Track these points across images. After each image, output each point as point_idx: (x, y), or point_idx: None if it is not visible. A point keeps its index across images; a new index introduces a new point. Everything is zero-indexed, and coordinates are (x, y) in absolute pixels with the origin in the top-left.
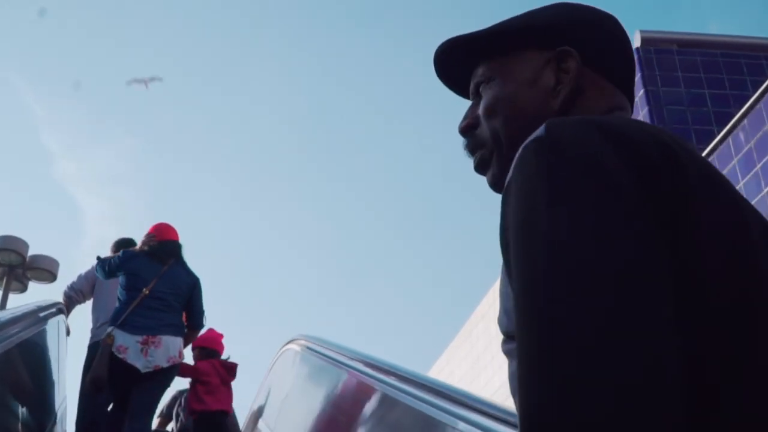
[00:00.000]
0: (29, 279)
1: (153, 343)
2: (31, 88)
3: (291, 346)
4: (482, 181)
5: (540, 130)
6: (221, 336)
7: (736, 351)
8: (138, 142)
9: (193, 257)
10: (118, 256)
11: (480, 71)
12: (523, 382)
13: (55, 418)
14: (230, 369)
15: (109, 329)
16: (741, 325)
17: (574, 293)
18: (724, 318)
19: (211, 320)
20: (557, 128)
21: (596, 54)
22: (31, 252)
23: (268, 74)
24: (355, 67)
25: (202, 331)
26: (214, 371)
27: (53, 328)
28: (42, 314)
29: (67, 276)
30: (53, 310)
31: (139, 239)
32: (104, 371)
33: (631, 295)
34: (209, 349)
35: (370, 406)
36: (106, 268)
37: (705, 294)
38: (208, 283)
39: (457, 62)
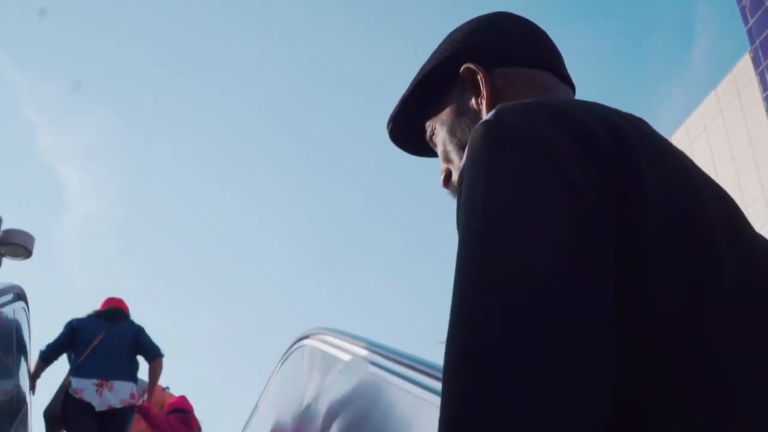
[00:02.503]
0: (2, 255)
1: (106, 386)
2: (12, 60)
3: (307, 342)
4: None
5: (489, 114)
6: (190, 406)
7: (681, 334)
8: (119, 115)
9: (170, 232)
10: (64, 327)
11: (426, 128)
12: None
13: (25, 410)
14: (186, 422)
15: (66, 375)
16: (687, 305)
17: (504, 259)
18: (669, 300)
19: (185, 299)
20: (503, 111)
21: (496, 52)
22: (4, 226)
23: (253, 54)
24: (335, 49)
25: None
26: (169, 427)
27: (8, 315)
28: None
29: (44, 252)
30: (10, 296)
31: (119, 214)
32: (57, 410)
33: (561, 262)
34: (181, 409)
35: (406, 412)
36: (49, 353)
37: (651, 275)
38: (184, 258)
39: (410, 132)
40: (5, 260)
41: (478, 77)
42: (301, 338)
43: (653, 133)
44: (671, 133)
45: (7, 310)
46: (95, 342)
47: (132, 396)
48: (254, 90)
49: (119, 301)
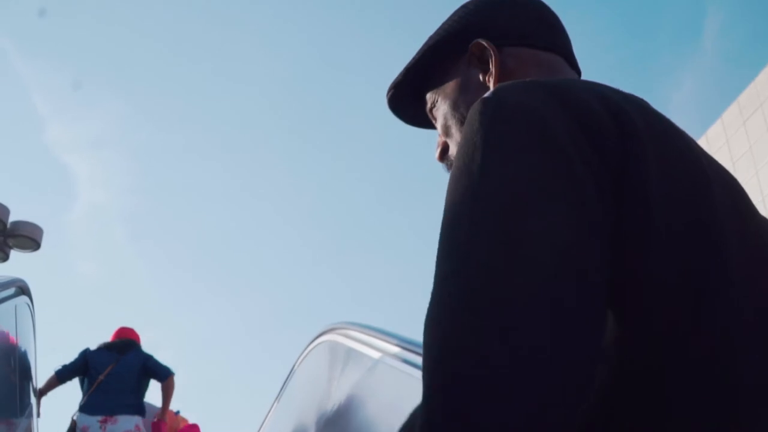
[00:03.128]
0: (11, 247)
1: (110, 421)
2: (19, 50)
3: (330, 337)
4: None
5: (488, 93)
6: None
7: (682, 323)
8: (127, 104)
9: (179, 220)
10: (79, 354)
11: (426, 99)
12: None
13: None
14: None
15: (74, 414)
16: (690, 280)
17: (491, 233)
18: (669, 288)
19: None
20: (503, 89)
21: (511, 31)
22: (13, 218)
23: (262, 40)
24: (345, 37)
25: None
26: None
27: (9, 311)
28: None
29: (53, 243)
30: (11, 290)
31: (128, 203)
32: None
33: (553, 247)
34: None
35: None
36: (65, 373)
37: (649, 258)
38: (193, 246)
39: (409, 101)
40: (14, 252)
41: (488, 54)
42: (324, 332)
43: (654, 113)
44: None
45: (8, 306)
46: (101, 377)
47: (137, 428)
48: (264, 77)
49: (130, 332)
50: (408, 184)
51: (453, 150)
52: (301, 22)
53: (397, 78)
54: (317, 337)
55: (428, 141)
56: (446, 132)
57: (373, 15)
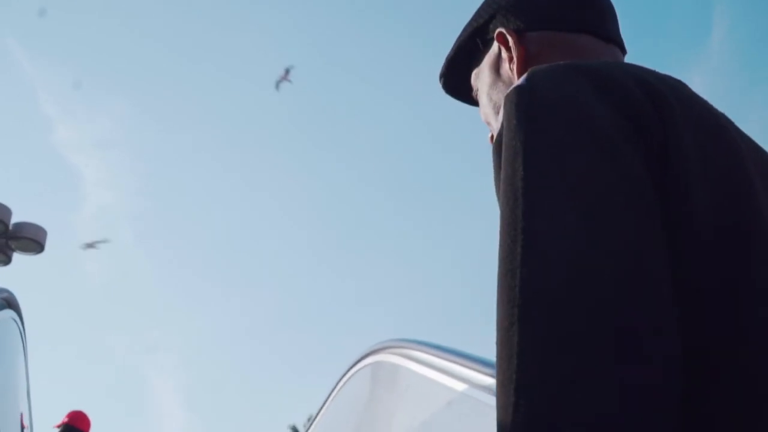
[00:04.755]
0: (13, 249)
1: None
2: (27, 52)
3: (380, 357)
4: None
5: (521, 79)
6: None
7: (731, 277)
8: (133, 105)
9: (187, 221)
10: None
11: (471, 85)
12: (504, 332)
13: None
14: None
15: None
16: (735, 255)
17: (553, 241)
18: (716, 251)
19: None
20: (536, 76)
21: (534, 16)
22: (16, 218)
23: (270, 39)
24: (360, 36)
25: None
26: None
27: None
28: None
29: (60, 244)
30: None
31: (135, 203)
32: None
33: (615, 235)
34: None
35: None
36: None
37: (696, 229)
38: (200, 247)
39: (459, 86)
40: (17, 255)
41: (511, 43)
42: (374, 352)
43: (691, 94)
44: None
45: None
46: None
47: None
48: (271, 76)
49: (78, 419)
50: (414, 183)
51: (494, 135)
52: (308, 17)
53: (442, 68)
54: (364, 358)
55: (434, 141)
56: (487, 121)
57: (381, 13)
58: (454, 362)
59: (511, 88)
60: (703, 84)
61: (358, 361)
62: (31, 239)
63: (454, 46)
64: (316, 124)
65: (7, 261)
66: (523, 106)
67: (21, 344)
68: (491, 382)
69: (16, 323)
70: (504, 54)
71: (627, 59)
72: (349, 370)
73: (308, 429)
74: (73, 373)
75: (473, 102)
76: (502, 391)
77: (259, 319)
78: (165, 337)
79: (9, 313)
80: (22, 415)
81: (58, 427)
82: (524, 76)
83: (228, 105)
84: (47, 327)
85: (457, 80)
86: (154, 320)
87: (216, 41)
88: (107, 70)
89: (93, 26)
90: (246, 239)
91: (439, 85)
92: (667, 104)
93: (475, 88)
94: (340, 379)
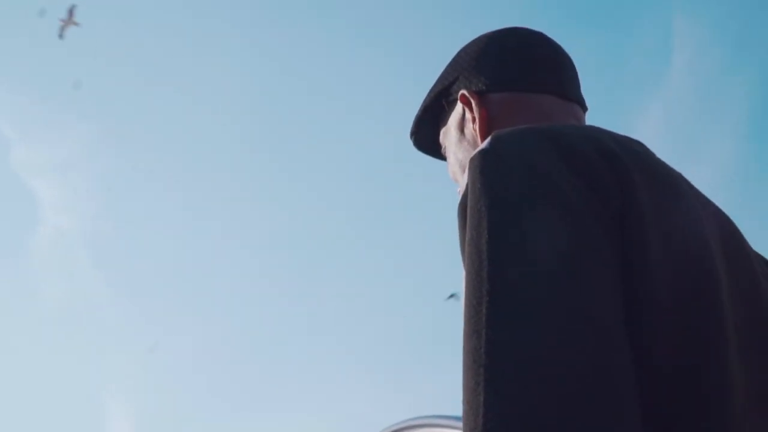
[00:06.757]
0: None
1: None
2: None
3: None
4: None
5: (485, 143)
6: None
7: (686, 351)
8: (93, 128)
9: (146, 246)
10: None
11: (440, 143)
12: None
13: None
14: None
15: None
16: (690, 323)
17: (518, 303)
18: (672, 316)
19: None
20: (500, 140)
21: (496, 78)
22: None
23: (231, 60)
24: (324, 56)
25: None
26: None
27: None
28: None
29: (16, 267)
30: None
31: (93, 228)
32: None
33: (578, 302)
34: None
35: None
36: None
37: (654, 296)
38: (160, 272)
39: (429, 144)
40: None
41: (473, 105)
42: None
43: (648, 156)
44: None
45: None
46: None
47: None
48: (234, 100)
49: None
50: (393, 201)
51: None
52: (277, 43)
53: (411, 127)
54: None
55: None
56: (454, 178)
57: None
58: None
59: (475, 151)
60: (664, 111)
61: None
62: None
63: (421, 106)
64: (284, 146)
65: None
66: (486, 171)
67: None
68: None
69: None
70: (468, 115)
71: (589, 86)
72: None
73: None
74: (26, 396)
75: (443, 158)
76: None
77: (224, 344)
78: (123, 361)
79: None
80: None
81: None
82: (488, 140)
83: (191, 129)
84: None
85: (426, 138)
86: (111, 345)
87: (178, 64)
88: (69, 90)
89: (53, 48)
90: (209, 264)
91: (410, 143)
92: (626, 170)
93: (443, 146)
94: None
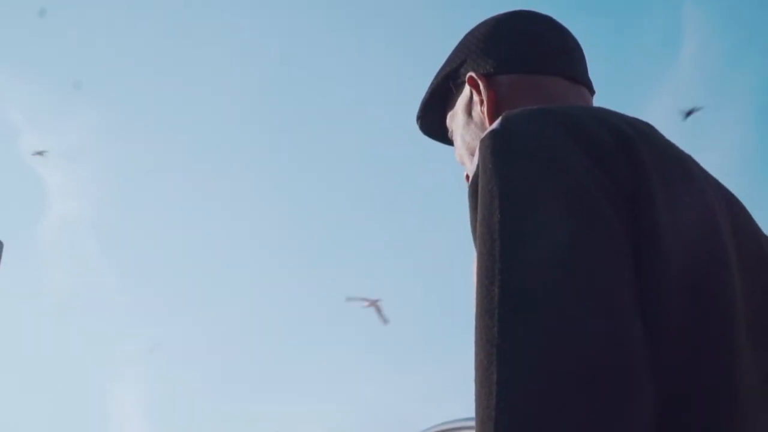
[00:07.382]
0: None
1: None
2: None
3: None
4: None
5: (496, 123)
6: None
7: (692, 328)
8: (102, 116)
9: (155, 233)
10: None
11: (447, 126)
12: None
13: None
14: None
15: None
16: (700, 302)
17: (531, 281)
18: (683, 295)
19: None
20: (511, 120)
21: (504, 60)
22: None
23: (241, 51)
24: (329, 48)
25: None
26: None
27: None
28: None
29: (24, 254)
30: None
31: (101, 214)
32: None
33: (590, 278)
34: None
35: None
36: None
37: (664, 276)
38: (168, 259)
39: (435, 128)
40: None
41: (481, 87)
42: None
43: (658, 138)
44: None
45: None
46: None
47: None
48: (243, 90)
49: None
50: (395, 193)
51: (470, 175)
52: (281, 32)
53: (418, 111)
54: None
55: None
56: (461, 161)
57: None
58: None
59: (486, 132)
60: (673, 100)
61: None
62: None
63: (428, 89)
64: (289, 135)
65: None
66: (498, 151)
67: None
68: None
69: None
70: (475, 97)
71: (597, 72)
72: None
73: None
74: (34, 387)
75: (450, 142)
76: (482, 429)
77: (227, 333)
78: (131, 351)
79: None
80: None
81: None
82: (498, 120)
83: (199, 117)
84: (5, 342)
85: (433, 122)
86: (119, 333)
87: (186, 53)
88: (78, 78)
89: (64, 37)
90: (216, 252)
91: (416, 127)
92: (637, 151)
93: (450, 130)
94: None
